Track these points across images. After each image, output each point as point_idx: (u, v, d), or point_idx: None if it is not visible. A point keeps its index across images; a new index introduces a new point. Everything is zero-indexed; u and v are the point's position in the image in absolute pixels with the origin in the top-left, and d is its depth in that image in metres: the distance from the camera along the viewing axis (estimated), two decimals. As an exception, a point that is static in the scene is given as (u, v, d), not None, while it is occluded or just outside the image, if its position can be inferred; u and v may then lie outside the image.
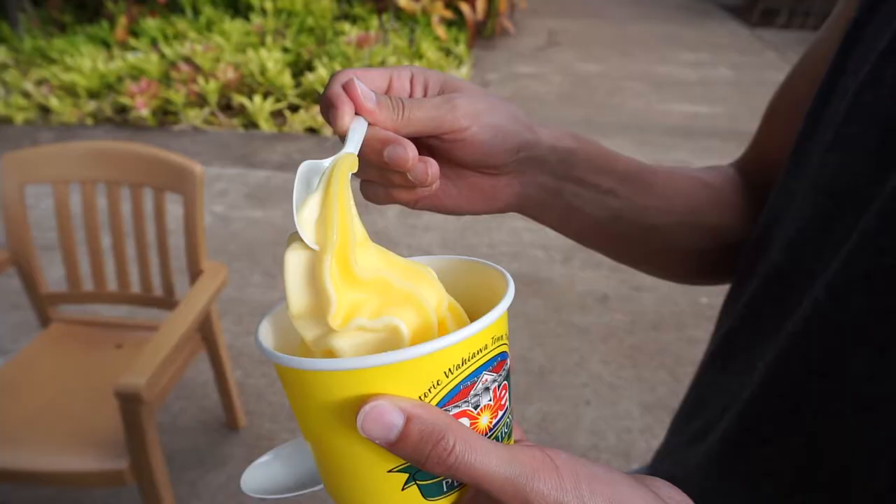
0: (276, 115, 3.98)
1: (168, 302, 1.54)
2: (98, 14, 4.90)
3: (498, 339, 0.28)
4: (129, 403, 1.14)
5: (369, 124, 0.35)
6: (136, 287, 1.57)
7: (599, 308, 2.38)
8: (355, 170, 0.31)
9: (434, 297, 0.29)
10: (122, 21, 4.67)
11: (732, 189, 0.50)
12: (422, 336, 0.27)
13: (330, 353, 0.27)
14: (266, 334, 0.30)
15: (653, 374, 2.07)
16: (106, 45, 4.63)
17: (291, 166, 3.42)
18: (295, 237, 0.28)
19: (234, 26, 4.56)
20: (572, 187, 0.44)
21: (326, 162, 0.31)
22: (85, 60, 4.12)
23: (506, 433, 0.29)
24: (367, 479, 0.27)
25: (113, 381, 1.15)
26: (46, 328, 1.56)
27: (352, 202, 0.29)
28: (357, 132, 0.34)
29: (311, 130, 3.87)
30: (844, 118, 0.36)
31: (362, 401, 0.25)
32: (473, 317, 0.31)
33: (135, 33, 4.66)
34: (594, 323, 2.30)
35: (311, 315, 0.27)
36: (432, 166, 0.35)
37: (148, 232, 1.52)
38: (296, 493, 0.33)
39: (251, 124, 3.90)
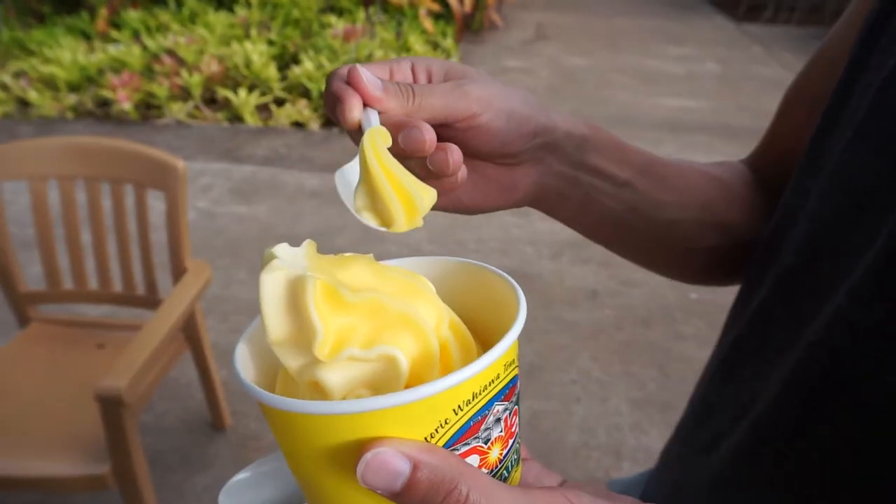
0: (262, 108, 3.93)
1: (151, 301, 1.51)
2: (78, 5, 4.80)
3: (510, 363, 0.25)
4: (110, 406, 1.11)
5: (379, 113, 0.32)
6: (117, 285, 1.54)
7: (588, 304, 2.37)
8: (389, 142, 0.28)
9: (433, 317, 0.26)
10: (103, 12, 4.58)
11: (743, 185, 0.49)
12: (422, 364, 0.24)
13: (316, 386, 0.24)
14: (245, 362, 0.26)
15: (642, 370, 2.07)
16: (86, 36, 4.55)
17: (277, 161, 3.37)
18: (271, 255, 0.25)
19: (218, 18, 4.49)
20: (589, 178, 0.42)
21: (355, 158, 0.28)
22: (65, 52, 4.04)
23: (515, 460, 0.27)
24: None
25: (94, 383, 1.11)
26: (25, 328, 1.52)
27: (400, 169, 0.27)
28: (372, 121, 0.31)
29: (298, 124, 3.82)
30: (867, 113, 0.34)
31: (362, 445, 0.22)
32: (475, 330, 0.28)
33: (116, 25, 4.58)
34: (583, 319, 2.29)
35: (293, 343, 0.24)
36: (453, 153, 0.32)
37: (130, 229, 1.48)
38: None
39: (236, 118, 3.85)
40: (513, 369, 0.26)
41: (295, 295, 0.24)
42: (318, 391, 0.24)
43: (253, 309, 2.27)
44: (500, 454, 0.25)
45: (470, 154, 0.37)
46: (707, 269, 0.50)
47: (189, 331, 1.51)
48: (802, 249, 0.38)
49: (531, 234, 2.74)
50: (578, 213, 0.43)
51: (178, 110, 3.80)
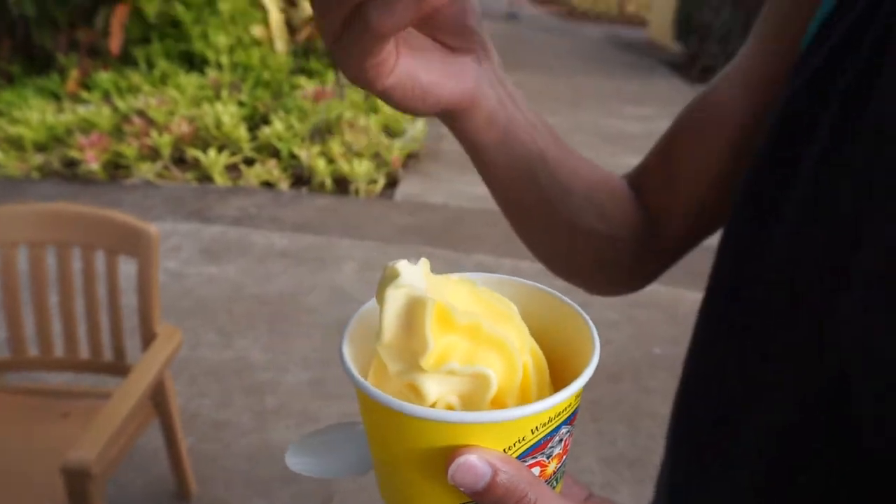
0: (231, 168, 3.96)
1: (118, 367, 1.49)
2: (49, 66, 4.83)
3: (579, 395, 0.29)
4: (77, 479, 1.09)
5: None
6: (84, 352, 1.52)
7: (557, 360, 2.40)
8: None
9: (519, 342, 0.29)
10: (74, 73, 4.62)
11: (624, 194, 0.53)
12: (506, 384, 0.28)
13: (412, 388, 0.27)
14: (351, 358, 0.29)
15: (611, 427, 2.09)
16: (56, 97, 4.56)
17: (246, 221, 3.39)
18: (394, 271, 0.28)
19: (189, 80, 4.56)
20: (510, 102, 0.43)
21: None
22: (33, 113, 4.05)
23: (562, 473, 0.31)
24: None
25: (59, 455, 1.10)
26: (-14, 398, 1.49)
27: None
28: None
29: (267, 184, 3.85)
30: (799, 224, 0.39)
31: (453, 448, 0.26)
32: (545, 353, 0.31)
33: (87, 86, 4.61)
34: (552, 375, 2.32)
35: (401, 349, 0.28)
36: None
37: (99, 294, 1.48)
38: (342, 476, 0.33)
39: (205, 178, 3.87)
40: (579, 399, 0.29)
41: (414, 311, 0.27)
42: (413, 393, 0.28)
43: (220, 371, 2.25)
44: (555, 468, 0.29)
45: (427, 23, 0.37)
46: (588, 261, 0.53)
47: (157, 397, 1.49)
48: (740, 345, 0.42)
49: (500, 292, 2.79)
50: (501, 144, 0.43)
51: (146, 170, 3.81)
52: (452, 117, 0.41)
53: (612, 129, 5.32)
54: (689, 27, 8.55)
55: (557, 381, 0.30)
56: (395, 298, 0.27)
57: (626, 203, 0.52)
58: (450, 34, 0.37)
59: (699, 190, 0.51)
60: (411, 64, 0.35)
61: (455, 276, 0.31)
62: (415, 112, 0.38)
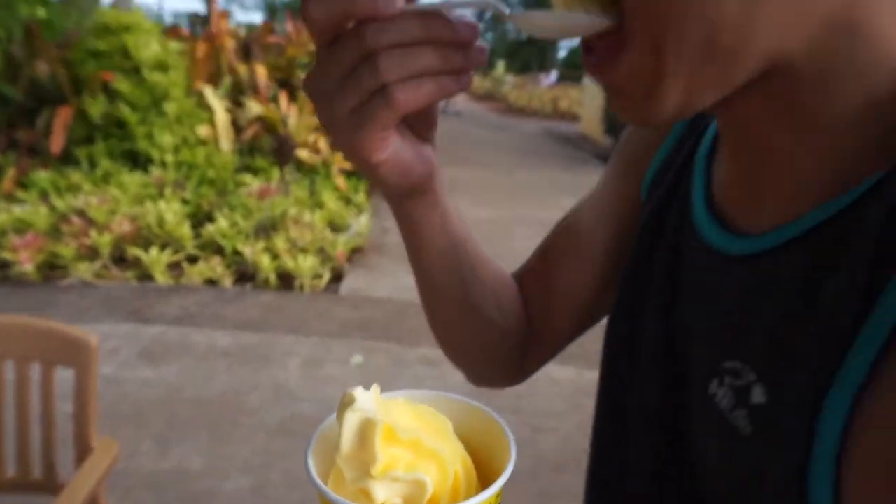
0: (174, 266, 3.93)
1: (49, 485, 1.43)
2: (-16, 166, 4.77)
3: (499, 494, 0.35)
4: None
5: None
6: (10, 469, 1.45)
7: (503, 453, 2.41)
8: None
9: (451, 453, 0.36)
10: (11, 173, 4.57)
11: (515, 291, 0.59)
12: (440, 487, 0.34)
13: (364, 492, 0.34)
14: (316, 472, 0.35)
15: (558, 519, 2.10)
16: (-10, 197, 4.48)
17: (188, 320, 3.34)
18: (351, 397, 0.35)
19: (132, 178, 4.57)
20: (447, 191, 0.48)
21: None
22: (-35, 214, 3.96)
23: None
24: None
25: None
26: None
27: None
28: None
29: (211, 282, 3.83)
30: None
31: None
32: (472, 455, 0.38)
33: (24, 185, 4.55)
34: (499, 469, 2.32)
35: (355, 460, 0.34)
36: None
37: (32, 406, 1.44)
38: None
39: (146, 277, 3.82)
40: (500, 497, 0.36)
41: (366, 430, 0.34)
42: (365, 496, 0.34)
43: (156, 482, 2.16)
44: None
45: (412, 117, 0.41)
46: (495, 352, 0.58)
47: (89, 515, 1.43)
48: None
49: (443, 385, 2.81)
50: (440, 228, 0.48)
51: (84, 270, 3.73)
52: (410, 196, 0.45)
53: (550, 220, 5.50)
54: (617, 122, 9.17)
55: (485, 479, 0.37)
56: (351, 420, 0.35)
57: (516, 301, 0.58)
58: (422, 121, 0.42)
59: (574, 298, 0.57)
60: (399, 142, 0.40)
61: (400, 397, 0.39)
62: (390, 186, 0.43)
